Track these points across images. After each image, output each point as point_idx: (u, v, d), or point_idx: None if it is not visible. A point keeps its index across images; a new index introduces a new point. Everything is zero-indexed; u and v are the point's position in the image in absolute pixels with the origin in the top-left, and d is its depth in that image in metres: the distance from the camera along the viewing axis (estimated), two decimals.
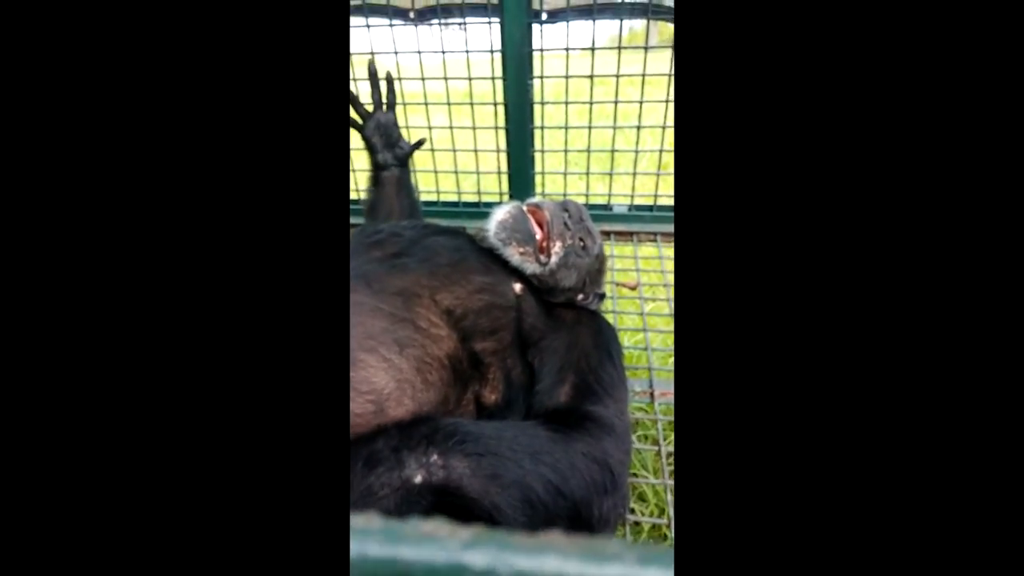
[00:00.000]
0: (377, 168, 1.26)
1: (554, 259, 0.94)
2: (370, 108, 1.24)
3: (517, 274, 0.94)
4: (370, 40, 1.45)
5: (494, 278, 0.90)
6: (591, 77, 1.45)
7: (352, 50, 1.47)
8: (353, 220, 1.73)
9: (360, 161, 1.70)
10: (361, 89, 1.49)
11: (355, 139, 1.63)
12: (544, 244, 0.94)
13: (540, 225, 0.95)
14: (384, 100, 1.23)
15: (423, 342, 0.80)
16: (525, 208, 0.97)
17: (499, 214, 0.97)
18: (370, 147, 1.25)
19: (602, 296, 1.04)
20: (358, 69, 1.47)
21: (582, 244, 0.97)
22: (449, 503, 0.62)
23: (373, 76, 1.21)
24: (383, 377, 0.74)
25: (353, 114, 1.24)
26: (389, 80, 1.23)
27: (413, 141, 1.28)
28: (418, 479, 0.64)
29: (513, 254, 0.93)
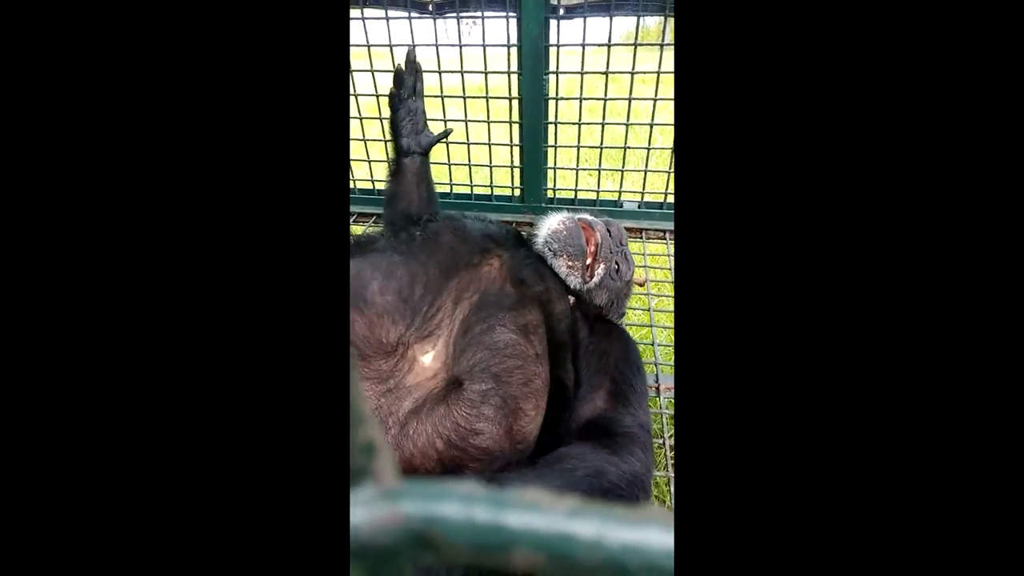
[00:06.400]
0: (399, 154, 1.25)
1: (595, 279, 0.97)
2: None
3: (564, 285, 0.97)
4: (388, 31, 1.45)
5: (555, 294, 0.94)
6: (606, 73, 1.46)
7: (372, 41, 1.48)
8: (370, 209, 1.75)
9: (373, 152, 1.72)
10: (378, 79, 1.50)
11: (365, 132, 1.64)
12: (591, 264, 0.97)
13: (588, 242, 0.97)
14: (415, 89, 1.24)
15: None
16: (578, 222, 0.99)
17: (553, 223, 0.99)
18: (396, 132, 1.24)
19: (621, 315, 1.07)
20: (381, 60, 1.48)
21: (616, 268, 1.00)
22: None
23: (411, 64, 1.22)
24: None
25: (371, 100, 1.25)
26: (420, 70, 1.25)
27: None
28: None
29: (562, 266, 0.96)
